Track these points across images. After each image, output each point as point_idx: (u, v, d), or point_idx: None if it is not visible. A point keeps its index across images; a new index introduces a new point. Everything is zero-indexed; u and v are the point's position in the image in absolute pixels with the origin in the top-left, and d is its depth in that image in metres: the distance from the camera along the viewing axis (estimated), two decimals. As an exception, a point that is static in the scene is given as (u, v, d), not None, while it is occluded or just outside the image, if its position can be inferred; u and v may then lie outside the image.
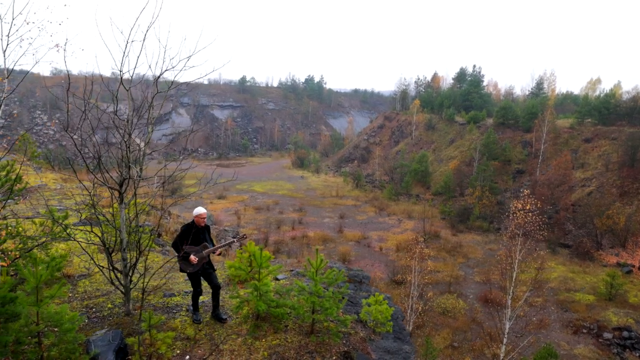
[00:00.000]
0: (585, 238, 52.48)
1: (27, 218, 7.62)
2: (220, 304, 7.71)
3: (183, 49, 6.45)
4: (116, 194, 6.61)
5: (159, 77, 6.16)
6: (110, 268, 6.78)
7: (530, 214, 15.35)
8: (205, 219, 7.28)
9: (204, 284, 7.43)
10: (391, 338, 7.59)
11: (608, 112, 66.55)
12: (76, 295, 7.82)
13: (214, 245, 7.22)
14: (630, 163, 56.80)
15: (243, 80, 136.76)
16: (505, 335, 15.98)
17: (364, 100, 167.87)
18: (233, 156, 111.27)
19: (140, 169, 6.47)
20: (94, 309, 7.31)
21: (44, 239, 7.14)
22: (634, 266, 48.25)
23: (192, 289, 7.43)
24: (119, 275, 6.89)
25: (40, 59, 5.70)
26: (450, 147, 79.29)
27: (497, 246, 55.07)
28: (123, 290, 6.91)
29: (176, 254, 7.04)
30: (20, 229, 7.83)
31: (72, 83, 5.75)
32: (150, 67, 6.36)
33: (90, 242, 7.35)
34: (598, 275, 45.89)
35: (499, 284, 44.96)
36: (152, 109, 6.37)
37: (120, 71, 6.18)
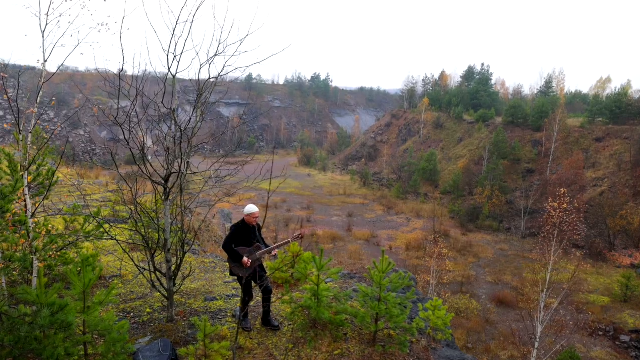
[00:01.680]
0: (597, 239, 51.80)
1: (67, 214, 7.11)
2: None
3: (232, 34, 5.89)
4: (160, 190, 6.08)
5: (211, 60, 5.62)
6: (153, 270, 6.25)
7: (567, 212, 14.80)
8: (258, 218, 6.75)
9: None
10: (446, 346, 7.05)
11: (620, 111, 65.70)
12: (110, 298, 7.30)
13: (266, 245, 6.68)
14: (643, 163, 56.05)
15: (249, 77, 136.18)
16: (537, 340, 15.45)
17: (370, 98, 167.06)
18: (239, 154, 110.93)
19: (188, 164, 5.93)
20: (132, 314, 6.81)
21: (80, 237, 6.63)
22: (648, 267, 47.50)
23: (235, 292, 6.90)
24: (161, 278, 6.37)
25: (82, 40, 5.15)
26: (459, 146, 78.58)
27: (508, 246, 54.48)
28: (166, 295, 6.38)
29: (231, 258, 6.51)
30: (49, 226, 7.33)
31: (79, 79, 5.20)
32: (197, 53, 5.81)
33: (129, 241, 6.84)
34: (612, 277, 45.24)
35: (511, 284, 44.49)
36: (203, 97, 5.83)
37: (167, 55, 5.63)
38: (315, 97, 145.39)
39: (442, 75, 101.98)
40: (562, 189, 15.13)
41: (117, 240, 6.06)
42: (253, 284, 6.58)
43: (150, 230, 6.42)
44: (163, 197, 6.02)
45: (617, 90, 72.84)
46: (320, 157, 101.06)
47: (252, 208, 6.76)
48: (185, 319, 6.64)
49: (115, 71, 5.50)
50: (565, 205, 14.68)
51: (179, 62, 5.79)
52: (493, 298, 40.02)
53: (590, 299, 40.55)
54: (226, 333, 6.14)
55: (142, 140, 5.73)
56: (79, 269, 5.31)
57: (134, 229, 6.01)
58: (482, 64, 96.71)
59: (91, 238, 7.16)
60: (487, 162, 67.40)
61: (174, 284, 6.38)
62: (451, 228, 58.75)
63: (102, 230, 7.06)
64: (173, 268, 6.30)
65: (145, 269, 6.25)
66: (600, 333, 35.88)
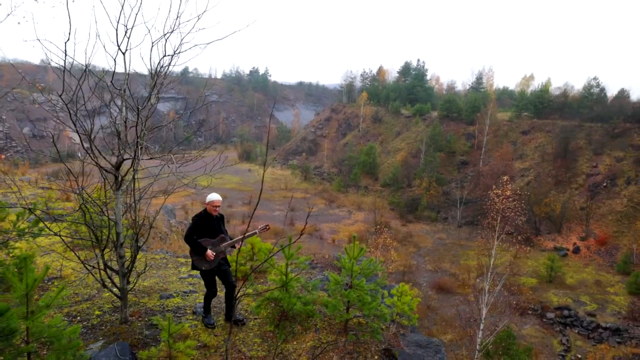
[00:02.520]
0: (525, 225, 55.47)
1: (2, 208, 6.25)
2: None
3: (189, 8, 5.44)
4: (110, 179, 5.50)
5: (167, 35, 5.13)
6: (103, 268, 5.67)
7: (510, 199, 15.55)
8: (220, 207, 6.33)
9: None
10: (411, 331, 7.06)
11: (542, 106, 70.55)
12: (58, 300, 6.55)
13: (230, 238, 6.28)
14: (563, 154, 60.53)
15: (185, 71, 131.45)
16: (483, 321, 16.16)
17: (309, 93, 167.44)
18: (176, 150, 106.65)
19: (142, 149, 5.39)
20: (78, 318, 6.15)
21: (15, 234, 5.86)
22: (568, 250, 51.52)
23: (192, 288, 6.46)
24: (113, 276, 5.79)
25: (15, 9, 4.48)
26: (397, 139, 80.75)
27: (445, 235, 56.89)
28: (119, 294, 5.81)
29: (193, 251, 6.03)
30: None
31: None
32: (149, 30, 5.31)
33: (76, 237, 6.17)
34: (538, 260, 48.57)
35: (449, 271, 46.50)
36: (163, 77, 5.32)
37: (117, 27, 5.08)
38: (254, 91, 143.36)
39: (380, 70, 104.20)
40: (505, 177, 15.90)
41: (60, 236, 5.40)
42: (217, 278, 6.18)
43: (99, 222, 5.81)
44: (114, 187, 5.46)
45: (539, 87, 78.16)
46: (261, 152, 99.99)
47: (213, 196, 6.36)
48: (140, 319, 6.10)
49: (38, 61, 4.85)
50: (508, 192, 15.44)
51: (129, 38, 5.25)
52: (433, 285, 41.62)
53: (520, 281, 43.28)
54: (188, 331, 5.71)
55: (91, 123, 5.13)
56: (18, 268, 4.68)
57: (82, 222, 5.39)
58: (418, 60, 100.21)
59: (27, 236, 6.39)
60: (424, 154, 69.81)
61: (128, 282, 5.83)
62: (391, 219, 60.31)
63: (39, 227, 6.33)
64: (127, 264, 5.75)
65: (94, 267, 5.64)
66: (530, 312, 38.46)
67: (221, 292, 6.61)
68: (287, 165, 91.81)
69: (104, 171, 5.35)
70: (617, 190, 54.41)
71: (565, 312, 37.62)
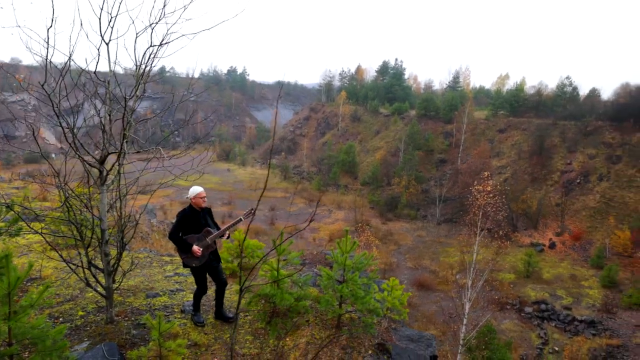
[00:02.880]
0: (498, 223, 56.53)
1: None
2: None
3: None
4: (94, 174, 5.29)
5: (153, 25, 4.95)
6: (87, 266, 5.45)
7: (491, 195, 15.77)
8: (205, 199, 6.17)
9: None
10: (401, 326, 7.04)
11: (518, 104, 71.98)
12: (42, 299, 6.28)
13: (218, 228, 6.13)
14: (538, 152, 61.86)
15: (162, 70, 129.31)
16: (466, 316, 16.36)
17: (288, 92, 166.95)
18: (153, 149, 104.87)
19: (126, 143, 5.20)
20: (60, 319, 5.91)
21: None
22: (545, 245, 52.68)
23: (179, 287, 6.30)
24: (98, 275, 5.58)
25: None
26: (376, 138, 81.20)
27: (425, 232, 57.47)
28: (104, 293, 5.61)
29: (180, 249, 5.86)
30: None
31: None
32: (133, 21, 5.13)
33: (58, 234, 5.92)
34: (516, 255, 49.53)
35: (429, 268, 46.98)
36: (149, 67, 5.14)
37: (100, 15, 4.89)
38: (232, 91, 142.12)
39: (359, 69, 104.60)
40: (485, 173, 16.13)
41: (42, 234, 5.16)
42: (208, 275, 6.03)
43: (82, 219, 5.58)
44: (98, 182, 5.26)
45: (514, 86, 79.69)
46: (240, 152, 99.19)
47: (196, 189, 6.19)
48: (127, 319, 5.91)
49: (8, 59, 4.64)
50: (489, 188, 15.65)
51: (112, 27, 5.06)
52: (414, 282, 41.96)
53: (499, 276, 44.04)
54: (177, 330, 5.55)
55: (74, 117, 4.92)
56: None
57: (66, 218, 5.17)
58: (396, 59, 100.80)
59: (3, 235, 6.12)
60: (403, 153, 70.37)
61: (114, 281, 5.63)
62: (372, 218, 60.60)
63: (18, 225, 6.07)
64: (112, 262, 5.55)
65: (77, 266, 5.43)
66: (508, 307, 39.20)
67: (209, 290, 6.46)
68: (266, 164, 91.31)
69: (87, 165, 5.14)
70: (590, 186, 55.92)
71: (543, 306, 38.48)
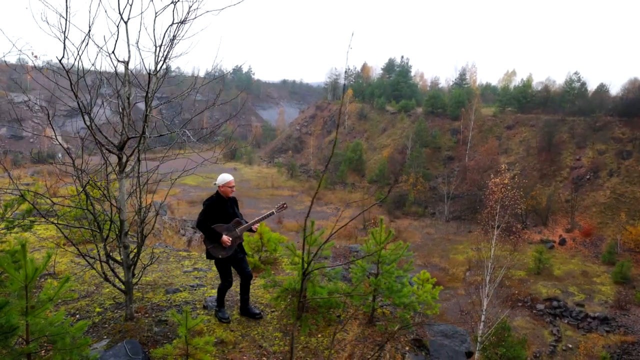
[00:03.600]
0: (512, 218, 55.98)
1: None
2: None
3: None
4: (113, 161, 4.97)
5: (176, 1, 4.61)
6: (105, 259, 5.14)
7: (508, 187, 15.37)
8: (234, 188, 5.85)
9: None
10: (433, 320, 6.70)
11: (526, 101, 71.27)
12: (62, 292, 5.96)
13: (245, 221, 5.80)
14: (547, 148, 61.20)
15: (168, 69, 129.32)
16: (484, 312, 15.99)
17: (293, 91, 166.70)
18: (160, 149, 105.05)
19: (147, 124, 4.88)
20: (77, 316, 5.61)
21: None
22: (555, 242, 52.07)
23: (199, 282, 5.97)
24: (116, 269, 5.27)
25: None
26: (383, 136, 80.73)
27: (434, 230, 57.00)
28: (123, 288, 5.30)
29: (207, 238, 5.53)
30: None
31: None
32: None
33: (74, 225, 5.62)
34: (526, 252, 48.94)
35: (439, 266, 46.55)
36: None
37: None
38: (237, 90, 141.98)
39: (364, 67, 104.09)
40: (502, 165, 15.74)
41: (56, 224, 4.85)
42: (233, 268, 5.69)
43: (100, 210, 5.28)
44: (117, 170, 4.95)
45: (522, 82, 78.84)
46: (246, 151, 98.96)
47: (226, 177, 5.87)
48: (147, 315, 5.60)
49: (14, 60, 4.32)
50: (506, 181, 15.26)
51: (131, 5, 4.74)
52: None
53: (509, 274, 43.55)
54: (202, 327, 5.24)
55: (90, 96, 4.60)
56: (14, 260, 4.15)
57: (84, 207, 4.85)
58: (402, 57, 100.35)
59: (15, 228, 5.83)
60: (410, 150, 69.87)
61: (133, 275, 5.32)
62: (379, 215, 60.17)
63: (31, 217, 5.77)
64: (132, 255, 5.23)
65: (95, 259, 5.12)
66: (520, 304, 38.73)
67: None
68: (273, 163, 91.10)
69: (105, 151, 4.83)
70: (600, 182, 55.23)
71: (555, 303, 37.98)
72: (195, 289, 6.61)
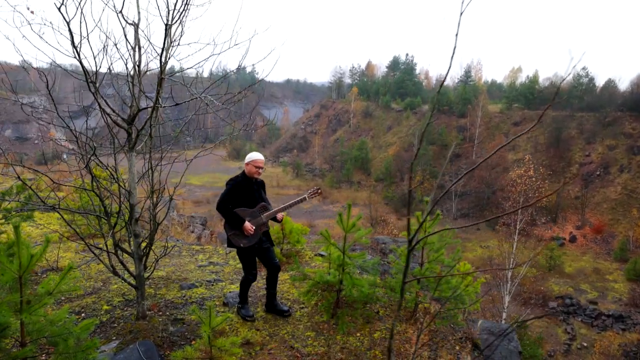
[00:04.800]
0: (521, 215, 55.23)
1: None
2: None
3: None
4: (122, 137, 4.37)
5: None
6: (113, 250, 4.53)
7: (533, 179, 14.70)
8: (262, 170, 5.20)
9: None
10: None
11: (533, 97, 70.43)
12: (64, 285, 5.37)
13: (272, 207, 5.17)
14: (555, 144, 60.36)
15: (171, 70, 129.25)
16: (505, 309, 15.35)
17: (297, 90, 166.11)
18: (164, 148, 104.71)
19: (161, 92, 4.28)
20: (83, 314, 5.01)
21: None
22: (565, 239, 51.25)
23: (216, 277, 5.34)
24: (126, 259, 4.67)
25: None
26: (389, 134, 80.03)
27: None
28: (134, 283, 4.69)
29: (229, 223, 4.87)
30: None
31: None
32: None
33: (79, 211, 5.03)
34: (535, 250, 48.20)
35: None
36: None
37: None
38: (241, 89, 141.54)
39: (369, 65, 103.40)
40: (527, 156, 15.09)
41: (56, 209, 4.25)
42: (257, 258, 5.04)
43: (106, 195, 4.68)
44: (126, 147, 4.36)
45: (528, 79, 77.94)
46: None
47: (255, 155, 5.23)
48: (161, 313, 5.00)
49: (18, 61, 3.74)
50: (531, 172, 14.60)
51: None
52: (434, 278, 40.89)
53: (520, 271, 42.80)
54: (224, 326, 4.63)
55: (95, 64, 4.00)
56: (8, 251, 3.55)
57: (89, 188, 4.25)
58: (407, 54, 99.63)
59: (13, 215, 5.24)
60: (416, 148, 69.14)
61: (145, 268, 4.72)
62: (386, 214, 59.51)
63: (25, 202, 5.17)
64: (143, 245, 4.63)
65: (102, 249, 4.52)
66: (532, 302, 38.00)
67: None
68: (278, 162, 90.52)
69: (113, 123, 4.23)
70: (610, 178, 54.36)
71: (567, 301, 37.23)
72: (212, 284, 6.00)
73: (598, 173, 55.99)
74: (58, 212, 4.29)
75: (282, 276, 6.16)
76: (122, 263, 4.63)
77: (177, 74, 4.87)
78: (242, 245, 4.86)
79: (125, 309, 5.14)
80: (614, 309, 35.18)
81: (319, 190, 5.40)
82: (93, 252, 4.57)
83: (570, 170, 58.43)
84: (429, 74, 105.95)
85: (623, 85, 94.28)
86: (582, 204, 52.46)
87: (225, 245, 5.02)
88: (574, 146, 59.66)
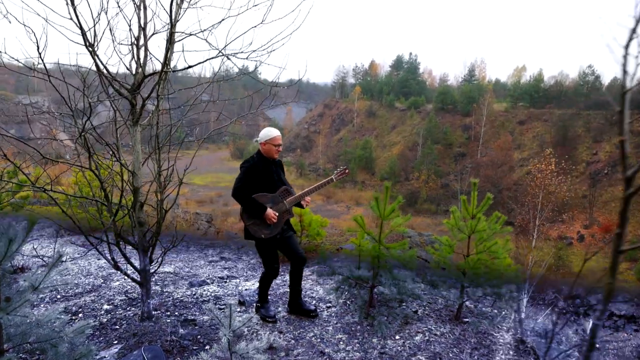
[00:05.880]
0: (527, 215, 54.46)
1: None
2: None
3: None
4: (123, 108, 3.79)
5: None
6: (114, 241, 3.95)
7: (554, 174, 14.04)
8: (281, 147, 4.59)
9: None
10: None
11: (538, 96, 69.73)
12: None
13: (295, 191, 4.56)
14: (562, 143, 59.62)
15: (174, 69, 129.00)
16: (524, 311, 14.69)
17: (300, 90, 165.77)
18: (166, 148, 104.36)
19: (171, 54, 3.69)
20: (80, 315, 4.43)
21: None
22: (573, 238, 50.51)
23: (228, 273, 4.75)
24: (131, 254, 4.09)
25: None
26: (393, 133, 79.42)
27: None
28: (139, 279, 4.11)
29: (246, 211, 4.22)
30: None
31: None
32: None
33: (77, 196, 4.45)
34: (543, 249, 47.46)
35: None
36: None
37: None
38: (244, 89, 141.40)
39: (372, 64, 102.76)
40: (547, 150, 14.45)
41: (47, 192, 3.68)
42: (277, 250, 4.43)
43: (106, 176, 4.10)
44: (130, 121, 3.78)
45: (532, 77, 77.15)
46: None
47: (271, 131, 4.59)
48: (169, 313, 4.42)
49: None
50: (552, 167, 13.95)
51: None
52: (441, 278, 40.27)
53: (538, 270, 42.13)
54: (241, 329, 4.04)
55: (94, 21, 3.41)
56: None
57: (87, 167, 3.67)
58: (410, 53, 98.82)
59: (5, 197, 4.66)
60: (421, 147, 68.51)
61: (151, 261, 4.14)
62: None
63: (13, 182, 4.59)
64: (150, 236, 4.05)
65: (102, 240, 3.95)
66: (540, 302, 37.35)
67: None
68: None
69: (116, 93, 3.65)
70: (618, 176, 53.62)
71: (577, 302, 36.55)
72: (225, 281, 5.42)
73: (606, 171, 55.28)
74: (48, 194, 3.71)
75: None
76: (124, 256, 4.05)
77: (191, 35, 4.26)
78: (263, 236, 4.24)
79: (128, 308, 4.57)
80: (625, 310, 34.48)
81: (347, 170, 4.79)
82: (91, 243, 4.00)
83: (577, 168, 57.68)
84: (433, 73, 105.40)
85: (630, 82, 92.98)
86: (590, 203, 51.74)
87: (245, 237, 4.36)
88: (581, 144, 58.94)
